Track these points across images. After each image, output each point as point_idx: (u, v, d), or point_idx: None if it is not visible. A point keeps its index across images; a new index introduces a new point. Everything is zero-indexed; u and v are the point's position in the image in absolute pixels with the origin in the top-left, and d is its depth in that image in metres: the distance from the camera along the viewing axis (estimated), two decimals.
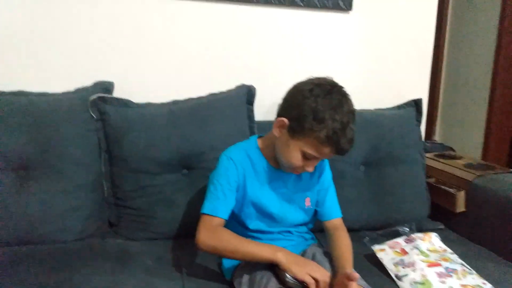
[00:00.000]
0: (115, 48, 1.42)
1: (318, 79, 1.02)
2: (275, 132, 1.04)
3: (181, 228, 1.28)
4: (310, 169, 1.02)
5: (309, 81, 1.02)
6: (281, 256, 0.95)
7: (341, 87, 1.01)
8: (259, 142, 1.14)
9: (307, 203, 1.16)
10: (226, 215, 1.04)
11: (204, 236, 1.00)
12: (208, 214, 1.03)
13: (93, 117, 1.29)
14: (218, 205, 1.04)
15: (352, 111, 0.99)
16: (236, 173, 1.07)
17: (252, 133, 1.41)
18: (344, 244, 1.09)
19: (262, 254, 0.96)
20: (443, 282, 1.06)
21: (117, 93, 1.38)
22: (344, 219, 1.27)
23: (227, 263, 1.10)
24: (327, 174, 1.19)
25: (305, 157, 1.00)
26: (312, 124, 0.96)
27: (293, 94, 1.03)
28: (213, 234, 1.00)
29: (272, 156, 1.09)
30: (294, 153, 1.01)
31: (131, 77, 1.44)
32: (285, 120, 1.01)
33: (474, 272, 1.12)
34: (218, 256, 1.10)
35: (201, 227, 1.02)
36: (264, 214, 1.11)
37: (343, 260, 1.03)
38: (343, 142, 0.96)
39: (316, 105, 0.96)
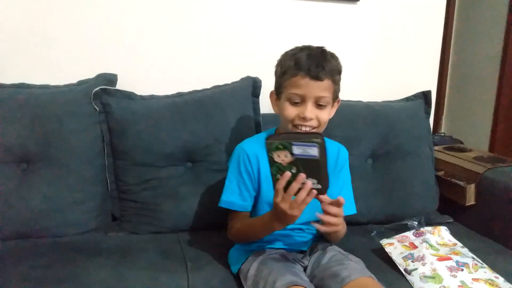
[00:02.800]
0: (118, 41, 1.41)
1: None
2: (273, 108, 1.09)
3: (185, 221, 1.26)
4: (307, 114, 0.98)
5: None
6: (277, 227, 0.94)
7: (318, 46, 1.03)
8: (277, 132, 1.11)
9: None
10: (244, 208, 1.06)
11: (229, 233, 1.09)
12: (228, 209, 1.07)
13: (96, 109, 1.27)
14: (234, 199, 1.06)
15: (318, 47, 1.02)
16: (250, 165, 1.06)
17: (257, 125, 1.38)
18: None
19: (268, 232, 1.00)
20: (454, 276, 1.03)
21: (120, 85, 1.36)
22: None
23: (234, 257, 1.09)
24: (345, 172, 1.16)
25: (293, 102, 1.00)
26: (279, 71, 1.04)
27: None
28: (233, 232, 1.07)
29: None
30: (284, 107, 1.02)
31: (134, 69, 1.42)
32: (273, 91, 1.08)
33: (485, 265, 1.10)
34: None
35: (228, 223, 1.09)
36: None
37: None
38: (304, 60, 0.97)
39: (281, 58, 1.05)
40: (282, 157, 0.84)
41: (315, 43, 1.48)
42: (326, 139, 1.15)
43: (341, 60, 1.05)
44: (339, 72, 1.03)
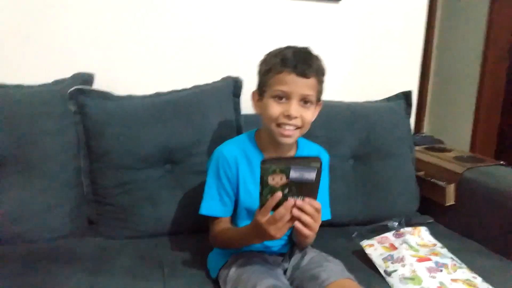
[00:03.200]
0: (95, 39, 1.37)
1: None
2: (255, 109, 1.06)
3: (164, 225, 1.24)
4: (292, 112, 0.96)
5: None
6: (256, 242, 0.94)
7: (303, 46, 1.02)
8: (257, 134, 1.09)
9: None
10: (225, 213, 1.05)
11: (210, 238, 1.07)
12: (208, 215, 1.05)
13: (71, 110, 1.24)
14: (215, 205, 1.04)
15: (303, 47, 1.01)
16: (229, 169, 1.04)
17: (238, 126, 1.36)
18: None
19: (247, 245, 0.99)
20: (433, 277, 1.03)
21: (97, 85, 1.32)
22: (332, 214, 1.24)
23: (213, 260, 1.07)
24: (323, 178, 1.13)
25: (278, 100, 0.98)
26: (263, 69, 1.01)
27: None
28: (214, 239, 1.05)
29: (268, 147, 1.04)
30: (268, 105, 0.99)
31: (112, 68, 1.39)
32: (255, 91, 1.06)
33: (464, 266, 1.10)
34: None
35: (209, 228, 1.07)
36: None
37: None
38: (290, 57, 0.96)
39: (265, 57, 1.03)
40: (277, 180, 0.83)
41: (296, 43, 1.47)
42: (306, 141, 1.14)
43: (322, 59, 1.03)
44: (323, 73, 1.02)
